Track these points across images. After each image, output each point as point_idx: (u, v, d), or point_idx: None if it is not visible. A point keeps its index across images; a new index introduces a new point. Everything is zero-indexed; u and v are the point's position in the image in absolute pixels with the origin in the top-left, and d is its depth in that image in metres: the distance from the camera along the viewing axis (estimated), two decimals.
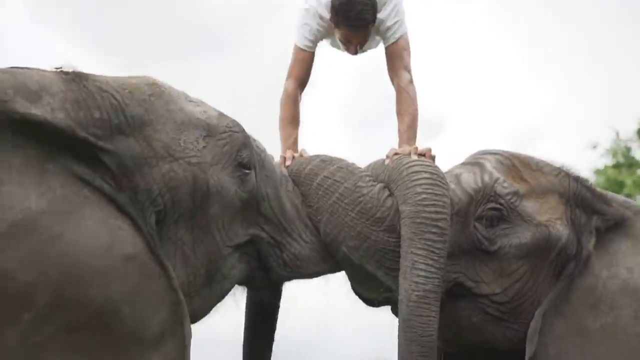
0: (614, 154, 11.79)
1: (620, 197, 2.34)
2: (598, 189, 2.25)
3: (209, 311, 1.83)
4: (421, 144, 2.14)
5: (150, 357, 1.52)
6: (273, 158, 2.00)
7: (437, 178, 1.89)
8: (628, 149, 12.23)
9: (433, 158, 2.02)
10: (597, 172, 12.56)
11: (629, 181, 10.35)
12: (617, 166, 11.16)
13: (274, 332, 2.10)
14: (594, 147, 12.96)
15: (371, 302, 2.08)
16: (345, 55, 2.43)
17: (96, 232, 1.46)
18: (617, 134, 12.65)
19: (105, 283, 1.45)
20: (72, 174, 1.49)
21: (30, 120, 1.44)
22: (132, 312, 1.49)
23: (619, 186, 11.15)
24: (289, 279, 1.97)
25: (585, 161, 12.87)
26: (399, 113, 2.20)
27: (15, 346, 1.35)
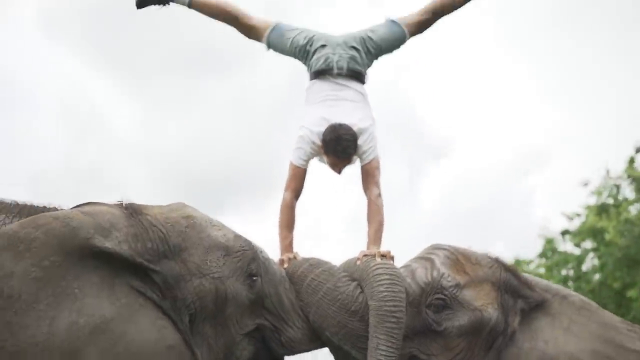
0: (599, 194, 12.23)
1: (543, 282, 2.94)
2: (524, 276, 2.85)
3: None
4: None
5: None
6: (274, 262, 2.65)
7: (395, 278, 2.52)
8: (617, 187, 12.58)
9: (392, 258, 2.64)
10: (588, 207, 12.97)
11: (610, 227, 10.79)
12: (601, 209, 11.56)
13: None
14: (585, 184, 13.41)
15: None
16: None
17: (148, 330, 2.10)
18: (607, 172, 13.09)
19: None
20: (132, 288, 2.13)
21: (104, 252, 2.09)
22: None
23: (599, 233, 11.55)
24: (287, 355, 2.58)
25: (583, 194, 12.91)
26: (369, 220, 2.80)
27: None
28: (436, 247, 2.82)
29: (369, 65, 3.09)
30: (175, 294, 2.22)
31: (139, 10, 3.18)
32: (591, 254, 12.60)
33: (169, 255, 2.25)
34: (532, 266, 14.31)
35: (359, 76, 3.01)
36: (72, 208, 2.31)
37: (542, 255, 13.96)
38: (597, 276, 12.53)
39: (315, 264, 2.63)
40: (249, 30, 3.15)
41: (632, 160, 12.61)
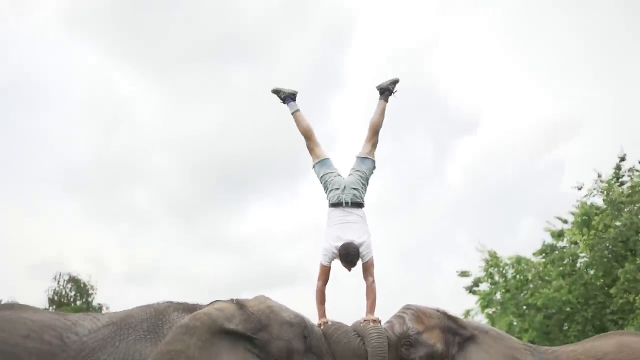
0: (583, 206, 13.73)
1: (473, 322, 4.94)
2: (461, 320, 4.84)
3: None
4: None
5: None
6: (315, 326, 4.67)
7: (381, 335, 4.50)
8: (610, 186, 13.95)
9: (379, 321, 4.64)
10: (582, 205, 14.34)
11: (581, 242, 12.38)
12: (582, 220, 13.08)
13: None
14: (579, 188, 14.95)
15: None
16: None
17: None
18: (599, 175, 14.58)
19: None
20: (245, 349, 4.17)
21: (230, 330, 4.17)
22: None
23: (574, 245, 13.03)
24: None
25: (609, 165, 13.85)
26: (367, 297, 4.74)
27: None
28: (406, 308, 4.83)
29: (364, 194, 5.09)
30: (267, 350, 4.26)
31: (271, 92, 5.39)
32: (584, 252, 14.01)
33: (262, 329, 4.28)
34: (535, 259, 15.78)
35: (359, 205, 5.01)
36: (209, 304, 4.39)
37: (542, 252, 15.58)
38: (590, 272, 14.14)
39: (338, 327, 4.66)
40: (311, 151, 5.24)
41: (618, 168, 14.08)
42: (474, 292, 16.40)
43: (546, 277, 14.80)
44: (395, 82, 5.38)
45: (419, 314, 4.75)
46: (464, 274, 16.84)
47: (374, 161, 5.20)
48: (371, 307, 4.76)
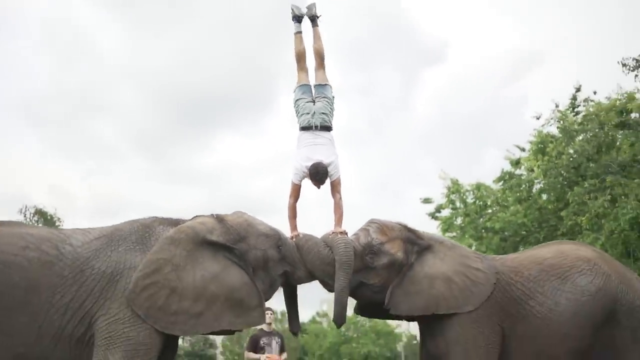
0: (539, 135, 14.40)
1: (430, 234, 5.48)
2: (419, 232, 5.32)
3: (271, 296, 4.97)
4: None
5: (251, 313, 4.69)
6: (288, 238, 5.13)
7: (348, 245, 4.97)
8: (565, 116, 14.60)
9: (346, 233, 5.13)
10: (538, 134, 15.03)
11: (536, 169, 13.13)
12: (538, 148, 13.72)
13: (297, 301, 5.17)
14: (538, 118, 15.62)
15: (329, 288, 5.16)
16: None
17: (236, 275, 4.56)
18: (557, 105, 15.23)
19: (238, 289, 4.60)
20: (225, 257, 4.60)
21: (212, 241, 4.57)
22: (247, 296, 4.60)
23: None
24: (298, 284, 5.06)
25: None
26: (335, 212, 5.19)
27: None
28: (371, 222, 5.31)
29: (332, 118, 5.47)
30: (245, 259, 4.70)
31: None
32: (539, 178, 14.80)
33: (240, 240, 4.70)
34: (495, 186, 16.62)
35: (327, 128, 5.40)
36: (191, 219, 4.79)
37: (500, 179, 16.39)
38: (544, 197, 15.02)
39: (308, 238, 5.13)
40: (298, 73, 5.61)
41: (574, 98, 14.73)
42: (436, 218, 17.25)
43: (504, 203, 15.66)
44: (311, 7, 5.75)
45: (382, 227, 5.24)
46: (427, 200, 17.65)
47: (331, 86, 5.60)
48: (339, 221, 5.24)
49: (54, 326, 4.13)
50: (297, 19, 5.74)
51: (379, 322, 33.30)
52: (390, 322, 31.45)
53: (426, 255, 5.17)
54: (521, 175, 16.12)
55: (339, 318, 4.95)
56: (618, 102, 11.87)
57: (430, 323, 5.11)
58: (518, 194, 15.37)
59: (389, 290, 5.01)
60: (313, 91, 5.56)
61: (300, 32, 5.71)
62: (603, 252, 5.66)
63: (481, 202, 15.84)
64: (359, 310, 5.57)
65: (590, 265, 5.10)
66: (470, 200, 16.26)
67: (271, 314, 7.04)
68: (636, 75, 10.85)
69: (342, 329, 30.78)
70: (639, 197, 9.90)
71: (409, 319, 5.41)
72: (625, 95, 11.86)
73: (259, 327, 6.86)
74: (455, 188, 16.34)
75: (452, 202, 16.73)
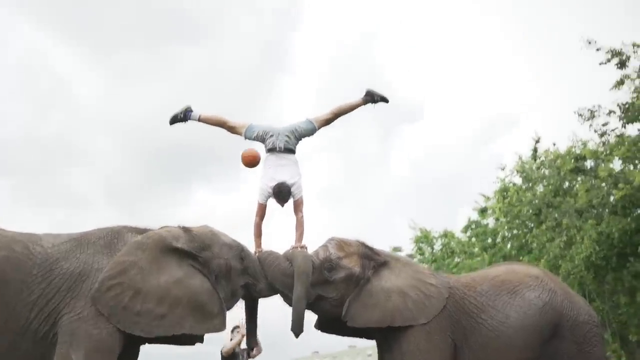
0: (502, 181, 14.99)
1: (387, 252, 5.75)
2: (377, 249, 5.59)
3: (232, 306, 5.13)
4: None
5: (213, 321, 4.81)
6: (251, 252, 5.36)
7: (307, 258, 5.20)
8: (526, 164, 15.18)
9: (306, 248, 5.37)
10: (501, 181, 15.54)
11: (497, 210, 13.64)
12: (500, 194, 14.31)
13: (257, 316, 5.34)
14: (502, 169, 16.20)
15: (289, 301, 5.33)
16: None
17: (198, 281, 4.74)
18: (520, 157, 15.83)
19: (201, 294, 4.73)
20: (189, 265, 4.76)
21: (177, 248, 4.77)
22: (209, 302, 4.76)
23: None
24: (259, 297, 5.24)
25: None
26: (296, 229, 5.44)
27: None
28: (330, 239, 5.55)
29: (296, 144, 5.79)
30: (210, 267, 4.87)
31: (171, 126, 5.85)
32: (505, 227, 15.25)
33: (205, 249, 4.88)
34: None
35: (291, 151, 5.72)
36: (159, 229, 4.99)
37: (467, 227, 16.82)
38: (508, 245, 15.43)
39: (270, 253, 5.35)
40: (233, 130, 5.82)
41: (535, 150, 15.37)
42: None
43: (470, 250, 16.04)
44: (383, 98, 5.87)
45: (340, 243, 5.49)
46: (396, 249, 17.94)
47: (315, 128, 5.82)
48: (300, 237, 5.49)
49: (19, 321, 4.25)
50: (188, 112, 5.79)
51: None
52: None
53: (383, 271, 5.37)
54: (487, 224, 16.58)
55: (297, 327, 5.09)
56: (573, 148, 12.50)
57: (386, 336, 5.28)
58: (483, 242, 15.75)
59: (346, 302, 5.19)
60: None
61: (200, 115, 5.82)
62: (549, 271, 5.99)
63: (448, 249, 16.19)
64: (318, 326, 5.73)
65: (537, 282, 5.41)
66: (437, 247, 16.61)
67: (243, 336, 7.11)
68: (590, 125, 11.50)
69: None
70: (593, 238, 10.34)
71: (367, 336, 5.60)
72: (580, 142, 12.51)
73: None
74: (424, 235, 16.71)
75: (420, 249, 17.04)
